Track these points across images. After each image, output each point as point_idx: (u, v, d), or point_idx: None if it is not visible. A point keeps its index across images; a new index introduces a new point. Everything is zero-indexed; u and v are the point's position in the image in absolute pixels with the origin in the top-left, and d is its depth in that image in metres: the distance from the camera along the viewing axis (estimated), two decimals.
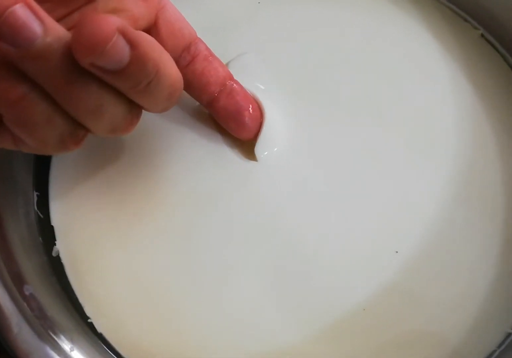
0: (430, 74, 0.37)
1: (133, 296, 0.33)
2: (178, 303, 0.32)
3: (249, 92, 0.34)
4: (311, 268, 0.33)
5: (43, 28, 0.21)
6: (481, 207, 0.34)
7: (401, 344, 0.32)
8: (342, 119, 0.36)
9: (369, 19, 0.38)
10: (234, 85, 0.33)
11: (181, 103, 0.36)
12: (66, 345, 0.29)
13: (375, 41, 0.38)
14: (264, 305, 0.32)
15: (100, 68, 0.22)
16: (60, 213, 0.35)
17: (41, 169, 0.36)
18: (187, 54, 0.31)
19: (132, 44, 0.22)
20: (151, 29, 0.29)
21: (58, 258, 0.34)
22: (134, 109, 0.26)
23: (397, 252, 0.33)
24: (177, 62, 0.28)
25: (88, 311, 0.33)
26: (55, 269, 0.34)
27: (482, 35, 0.38)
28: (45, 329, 0.29)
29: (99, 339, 0.32)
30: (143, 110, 0.28)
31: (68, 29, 0.23)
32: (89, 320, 0.33)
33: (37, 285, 0.31)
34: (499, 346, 0.32)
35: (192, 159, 0.35)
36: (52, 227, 0.35)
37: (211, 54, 0.33)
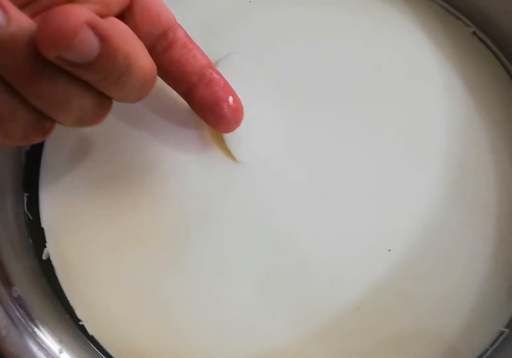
0: (422, 72, 0.37)
1: (124, 298, 0.32)
2: (170, 304, 0.32)
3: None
4: (303, 268, 0.32)
5: (5, 17, 0.20)
6: (473, 206, 0.34)
7: (395, 343, 0.32)
8: (332, 119, 0.35)
9: (362, 17, 0.38)
10: (214, 74, 0.31)
11: (170, 102, 0.36)
12: (54, 347, 0.29)
13: (367, 40, 0.37)
14: (257, 306, 0.32)
15: (67, 61, 0.21)
16: (50, 215, 0.34)
17: (31, 169, 0.36)
18: (164, 41, 0.29)
19: (101, 37, 0.21)
20: (125, 12, 0.27)
21: (48, 260, 0.34)
22: (104, 100, 0.25)
23: (390, 250, 0.33)
24: (153, 48, 0.28)
25: (79, 313, 0.33)
26: (46, 271, 0.33)
27: (474, 33, 0.38)
28: (34, 331, 0.29)
29: (91, 341, 0.32)
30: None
31: (36, 14, 0.22)
32: (80, 323, 0.32)
33: (26, 287, 0.31)
34: (492, 344, 0.32)
35: (182, 160, 0.35)
36: (42, 229, 0.34)
37: (191, 41, 0.31)
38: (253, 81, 0.36)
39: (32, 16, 0.22)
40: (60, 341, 0.29)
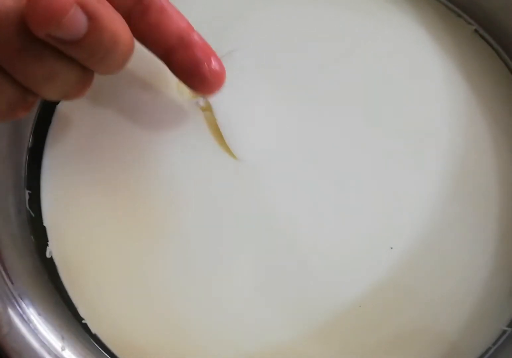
0: (423, 70, 0.37)
1: (127, 297, 0.32)
2: (172, 302, 0.32)
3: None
4: (305, 266, 0.32)
5: None
6: (475, 203, 0.34)
7: (396, 341, 0.32)
8: (333, 118, 0.35)
9: (363, 16, 0.38)
10: (194, 37, 0.30)
11: (172, 102, 0.36)
12: (57, 344, 0.29)
13: (369, 39, 0.37)
14: (258, 304, 0.32)
15: (56, 38, 0.21)
16: (52, 213, 0.34)
17: (33, 166, 0.35)
18: (139, 5, 0.28)
19: (90, 15, 0.21)
20: None
21: (51, 258, 0.34)
22: (87, 74, 0.26)
23: (392, 248, 0.33)
24: (129, 14, 0.27)
25: (82, 312, 0.33)
26: (48, 269, 0.33)
27: (476, 31, 0.38)
28: (36, 328, 0.29)
29: (93, 339, 0.32)
30: None
31: None
32: (83, 321, 0.32)
33: (28, 285, 0.31)
34: (494, 343, 0.32)
35: (184, 159, 0.35)
36: (44, 226, 0.34)
37: (168, 4, 0.29)
38: (254, 80, 0.36)
39: None
40: (63, 338, 0.29)
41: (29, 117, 0.36)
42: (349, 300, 0.32)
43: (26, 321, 0.29)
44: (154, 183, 0.34)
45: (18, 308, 0.29)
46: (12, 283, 0.30)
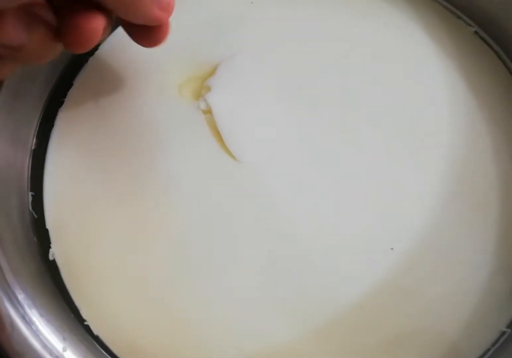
0: (423, 71, 0.37)
1: (129, 298, 0.32)
2: (174, 304, 0.32)
3: None
4: (305, 266, 0.33)
5: None
6: (475, 203, 0.34)
7: (397, 341, 0.32)
8: (334, 119, 0.35)
9: (363, 17, 0.38)
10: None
11: (172, 104, 0.36)
12: (58, 345, 0.29)
13: (369, 40, 0.37)
14: (259, 304, 0.32)
15: None
16: (55, 216, 0.34)
17: (36, 168, 0.36)
18: None
19: None
20: None
21: (53, 260, 0.34)
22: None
23: (392, 249, 0.33)
24: None
25: (84, 313, 0.33)
26: (51, 271, 0.34)
27: (476, 32, 0.38)
28: (38, 329, 0.29)
29: (96, 341, 0.32)
30: None
31: None
32: (85, 323, 0.32)
33: (31, 286, 0.31)
34: (494, 344, 0.32)
35: (185, 159, 0.35)
36: (47, 228, 0.34)
37: None
38: (253, 82, 0.36)
39: None
40: (64, 339, 0.30)
41: (32, 118, 0.36)
42: (349, 300, 0.32)
43: (28, 323, 0.29)
44: (156, 185, 0.34)
45: (20, 310, 0.29)
46: (14, 284, 0.30)
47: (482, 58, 0.37)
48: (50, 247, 0.34)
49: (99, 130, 0.36)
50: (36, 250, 0.34)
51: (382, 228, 0.33)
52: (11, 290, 0.30)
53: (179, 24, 0.37)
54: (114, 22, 0.27)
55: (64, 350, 0.29)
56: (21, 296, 0.30)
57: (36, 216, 0.35)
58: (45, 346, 0.29)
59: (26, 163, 0.36)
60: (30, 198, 0.35)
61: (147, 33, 0.29)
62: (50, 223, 0.34)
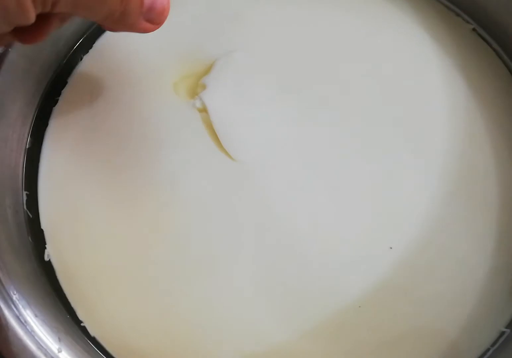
0: (422, 68, 0.37)
1: (126, 299, 0.32)
2: (171, 305, 0.32)
3: None
4: (304, 266, 0.32)
5: None
6: (474, 203, 0.34)
7: (396, 341, 0.32)
8: (333, 118, 0.35)
9: (362, 16, 0.38)
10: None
11: (167, 102, 0.35)
12: (53, 346, 0.29)
13: (368, 38, 0.37)
14: (258, 305, 0.32)
15: None
16: (50, 216, 0.34)
17: (31, 168, 0.35)
18: None
19: None
20: None
21: (49, 261, 0.33)
22: None
23: (391, 248, 0.33)
24: None
25: (80, 315, 0.32)
26: (46, 271, 0.33)
27: (474, 30, 0.38)
28: (33, 330, 0.29)
29: (92, 342, 0.32)
30: None
31: None
32: (82, 324, 0.32)
33: (25, 287, 0.31)
34: (493, 344, 0.32)
35: (183, 161, 0.34)
36: (42, 228, 0.34)
37: None
38: (251, 80, 0.36)
39: None
40: (59, 340, 0.29)
41: (27, 117, 0.36)
42: (348, 300, 0.32)
43: (23, 323, 0.29)
44: (151, 185, 0.34)
45: (15, 310, 0.29)
46: (9, 284, 0.30)
47: (480, 55, 0.37)
48: (45, 248, 0.34)
49: (93, 128, 0.35)
50: (31, 250, 0.34)
51: (381, 227, 0.33)
52: (6, 290, 0.29)
53: (175, 21, 0.37)
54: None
55: (60, 351, 0.29)
56: (15, 297, 0.30)
57: (31, 216, 0.34)
58: (40, 346, 0.29)
59: (20, 162, 0.36)
60: (25, 197, 0.35)
61: None
62: (45, 223, 0.34)
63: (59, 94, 0.36)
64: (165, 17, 0.27)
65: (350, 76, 0.36)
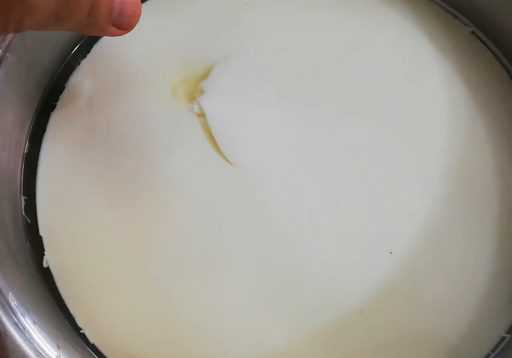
0: (421, 71, 0.37)
1: (125, 306, 0.32)
2: (171, 310, 0.32)
3: None
4: (304, 271, 0.32)
5: None
6: (474, 207, 0.34)
7: (396, 346, 0.31)
8: (332, 120, 0.35)
9: (360, 18, 0.38)
10: None
11: (166, 107, 0.35)
12: (52, 354, 0.29)
13: (366, 40, 0.37)
14: (258, 311, 0.32)
15: None
16: (48, 222, 0.34)
17: (29, 173, 0.35)
18: None
19: None
20: None
21: (48, 267, 0.33)
22: None
23: (391, 253, 0.33)
24: None
25: (79, 321, 0.32)
26: (45, 278, 0.33)
27: (473, 32, 0.38)
28: (32, 337, 0.29)
29: (91, 349, 0.32)
30: None
31: None
32: (81, 331, 0.32)
33: (23, 293, 0.30)
34: (494, 349, 0.32)
35: (182, 165, 0.34)
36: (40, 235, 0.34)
37: None
38: (249, 84, 0.36)
39: None
40: (58, 347, 0.29)
41: (25, 122, 0.36)
42: (349, 305, 0.32)
43: (22, 330, 0.29)
44: (150, 189, 0.34)
45: (13, 317, 0.29)
46: (7, 291, 0.30)
47: (479, 57, 0.37)
48: (44, 254, 0.33)
49: (92, 133, 0.35)
50: (30, 256, 0.33)
51: (381, 232, 0.33)
52: (4, 297, 0.29)
53: (173, 25, 0.37)
54: None
55: (58, 357, 0.29)
56: (14, 303, 0.29)
57: (29, 221, 0.34)
58: (39, 354, 0.28)
59: (18, 167, 0.35)
60: (23, 203, 0.35)
61: None
62: (43, 229, 0.34)
63: (57, 99, 0.36)
64: (136, 22, 0.27)
65: (349, 79, 0.36)
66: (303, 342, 0.31)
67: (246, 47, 0.37)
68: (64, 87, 0.36)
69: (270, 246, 0.33)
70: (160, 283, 0.32)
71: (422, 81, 0.36)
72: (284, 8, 0.38)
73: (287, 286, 0.32)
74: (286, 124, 0.35)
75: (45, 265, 0.33)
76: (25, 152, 0.36)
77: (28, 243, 0.34)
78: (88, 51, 0.37)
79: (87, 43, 0.37)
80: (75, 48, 0.38)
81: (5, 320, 0.28)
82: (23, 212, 0.35)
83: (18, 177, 0.35)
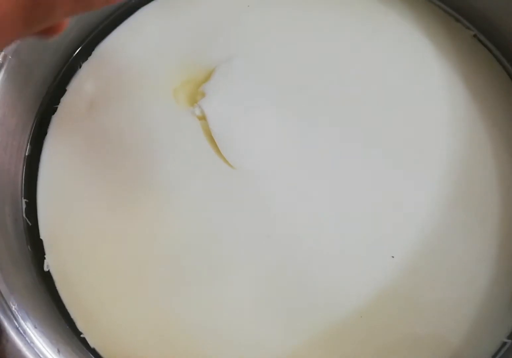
0: (422, 73, 0.36)
1: (127, 309, 0.32)
2: (173, 315, 0.32)
3: None
4: (306, 276, 0.32)
5: None
6: (475, 211, 0.33)
7: (398, 350, 0.31)
8: (333, 124, 0.35)
9: (361, 20, 0.38)
10: None
11: (167, 110, 0.35)
12: None
13: (367, 42, 0.37)
14: (260, 315, 0.32)
15: None
16: (49, 225, 0.34)
17: (30, 175, 0.35)
18: None
19: None
20: None
21: (48, 271, 0.33)
22: None
23: (393, 257, 0.32)
24: None
25: (80, 325, 0.32)
26: (46, 281, 0.33)
27: (475, 36, 0.38)
28: (32, 341, 0.29)
29: (92, 353, 0.32)
30: None
31: None
32: (81, 335, 0.32)
33: (24, 297, 0.30)
34: (495, 355, 0.31)
35: (182, 169, 0.34)
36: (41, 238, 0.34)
37: None
38: (251, 88, 0.36)
39: None
40: (58, 352, 0.29)
41: (26, 125, 0.36)
42: (350, 310, 0.32)
43: (22, 334, 0.29)
44: (151, 192, 0.34)
45: (14, 321, 0.29)
46: (8, 295, 0.29)
47: (481, 61, 0.37)
48: (44, 257, 0.33)
49: (92, 136, 0.35)
50: (31, 259, 0.33)
51: (382, 236, 0.33)
52: (5, 301, 0.29)
53: (175, 27, 0.37)
54: None
55: None
56: (14, 307, 0.29)
57: (30, 224, 0.34)
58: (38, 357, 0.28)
59: (20, 169, 0.36)
60: (24, 205, 0.35)
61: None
62: (44, 233, 0.34)
63: (58, 102, 0.36)
64: None
65: (351, 82, 0.36)
66: (303, 345, 0.31)
67: (248, 49, 0.37)
68: (65, 90, 0.36)
69: (270, 249, 0.32)
70: (160, 287, 0.32)
71: (424, 84, 0.36)
72: (285, 10, 0.38)
73: (288, 291, 0.32)
74: (287, 127, 0.35)
75: (46, 268, 0.33)
76: (26, 154, 0.36)
77: (29, 247, 0.34)
78: (90, 54, 0.37)
79: (89, 46, 0.37)
80: (77, 51, 0.38)
81: (6, 324, 0.28)
82: (24, 215, 0.35)
83: (19, 179, 0.35)
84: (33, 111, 0.36)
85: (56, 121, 0.36)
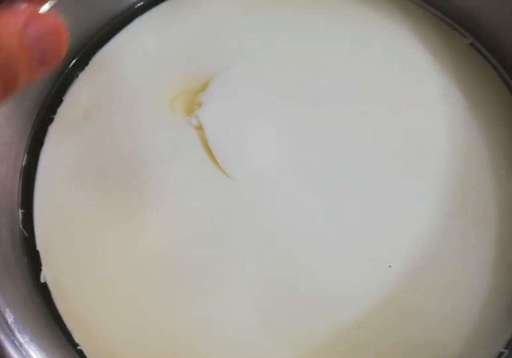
0: (419, 82, 0.36)
1: (123, 321, 0.32)
2: (169, 327, 0.32)
3: None
4: (303, 285, 0.32)
5: None
6: (473, 220, 0.33)
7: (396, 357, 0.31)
8: (330, 133, 0.35)
9: (358, 28, 0.38)
10: None
11: (164, 119, 0.35)
12: None
13: (364, 50, 0.37)
14: (256, 325, 0.32)
15: None
16: (45, 236, 0.34)
17: (27, 186, 0.35)
18: None
19: None
20: None
21: (45, 283, 0.33)
22: None
23: (390, 266, 0.32)
24: None
25: (76, 337, 0.32)
26: (42, 293, 0.33)
27: (471, 44, 0.38)
28: (28, 354, 0.29)
29: None
30: None
31: None
32: (78, 347, 0.32)
33: (20, 309, 0.30)
34: None
35: (179, 178, 0.34)
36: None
37: None
38: (249, 97, 0.36)
39: None
40: None
41: (23, 135, 0.36)
42: (347, 320, 0.32)
43: (18, 347, 0.28)
44: (148, 202, 0.34)
45: (10, 333, 0.29)
46: (4, 307, 0.29)
47: (477, 69, 0.37)
48: (41, 269, 0.33)
49: (89, 146, 0.35)
50: (27, 271, 0.33)
51: (380, 246, 0.33)
52: (1, 314, 0.29)
53: (171, 37, 0.37)
54: None
55: None
56: (11, 320, 0.29)
57: (27, 235, 0.34)
58: None
59: (16, 179, 0.35)
60: (21, 216, 0.35)
61: None
62: (40, 244, 0.34)
63: (55, 112, 0.36)
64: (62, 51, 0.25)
65: (348, 91, 0.36)
66: (301, 356, 0.31)
67: (245, 59, 0.37)
68: (62, 100, 0.36)
69: (267, 259, 0.32)
70: (158, 298, 0.32)
71: (421, 93, 0.36)
72: (283, 18, 0.38)
73: (286, 301, 0.32)
74: (285, 137, 0.35)
75: (42, 280, 0.33)
76: (23, 164, 0.36)
77: (25, 258, 0.34)
78: (86, 64, 0.37)
79: (85, 57, 0.37)
80: (73, 61, 0.38)
81: (2, 337, 0.28)
82: (21, 226, 0.34)
83: (16, 189, 0.35)
84: (30, 121, 0.36)
85: (53, 131, 0.36)
